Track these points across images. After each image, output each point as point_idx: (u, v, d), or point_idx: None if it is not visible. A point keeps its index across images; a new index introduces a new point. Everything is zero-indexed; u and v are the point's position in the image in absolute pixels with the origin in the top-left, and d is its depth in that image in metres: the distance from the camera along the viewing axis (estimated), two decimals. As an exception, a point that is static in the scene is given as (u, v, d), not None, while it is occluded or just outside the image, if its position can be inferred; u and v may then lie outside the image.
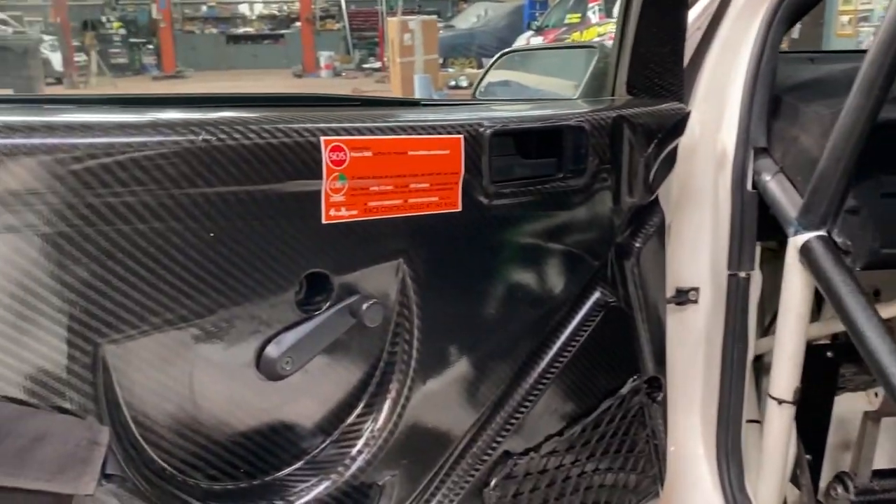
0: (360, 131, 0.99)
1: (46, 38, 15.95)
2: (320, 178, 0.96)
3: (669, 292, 1.54)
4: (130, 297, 0.84)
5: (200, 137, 0.86)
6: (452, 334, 1.16)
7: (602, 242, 1.34)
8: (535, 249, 1.25)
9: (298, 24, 19.25)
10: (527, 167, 1.21)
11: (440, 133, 1.07)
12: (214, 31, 20.22)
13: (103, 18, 18.78)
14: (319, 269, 0.99)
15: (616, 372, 1.39)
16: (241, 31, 20.05)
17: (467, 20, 16.83)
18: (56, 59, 15.60)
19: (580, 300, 1.34)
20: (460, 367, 1.18)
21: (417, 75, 11.14)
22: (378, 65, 17.09)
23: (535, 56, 1.89)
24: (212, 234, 0.89)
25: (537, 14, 14.41)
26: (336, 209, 0.98)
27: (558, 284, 1.29)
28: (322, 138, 0.95)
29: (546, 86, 1.87)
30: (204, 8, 20.70)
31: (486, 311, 1.20)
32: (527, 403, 1.26)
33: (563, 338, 1.31)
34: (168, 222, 0.85)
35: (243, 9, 21.16)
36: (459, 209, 1.11)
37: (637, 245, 1.38)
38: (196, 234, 0.87)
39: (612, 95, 1.45)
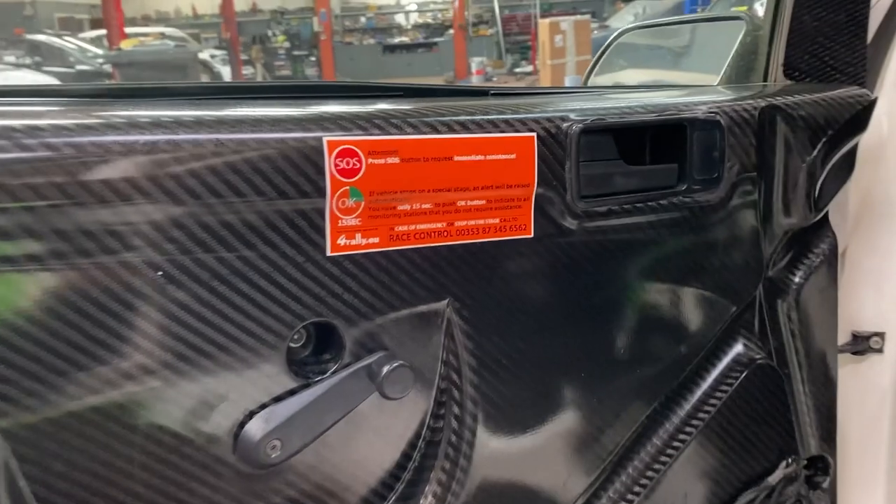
0: (381, 128, 0.72)
1: (217, 52, 16.95)
2: (322, 194, 0.69)
3: (842, 338, 1.16)
4: (37, 357, 0.61)
5: (142, 140, 0.62)
6: (521, 407, 0.86)
7: (745, 278, 0.99)
8: (645, 289, 0.92)
9: (452, 31, 19.35)
10: (634, 176, 0.88)
11: (503, 130, 0.78)
12: (372, 41, 20.73)
13: (269, 33, 19.75)
14: (323, 319, 0.72)
15: (763, 453, 1.03)
16: (396, 40, 20.43)
17: (623, 19, 16.17)
18: (226, 72, 16.52)
19: (713, 357, 0.99)
20: (533, 451, 0.87)
21: (568, 77, 10.74)
22: (530, 68, 16.79)
23: (664, 33, 1.54)
24: (160, 273, 0.64)
25: (698, 10, 13.56)
26: (347, 236, 0.72)
27: (680, 337, 0.95)
28: (324, 138, 0.69)
29: (679, 72, 1.52)
30: (363, 20, 21.29)
31: (571, 374, 0.88)
32: (631, 497, 0.93)
33: (686, 409, 0.97)
34: (96, 257, 0.61)
35: (399, 19, 21.58)
36: (532, 235, 0.81)
37: (796, 280, 1.02)
38: (138, 272, 0.63)
39: (765, 81, 1.09)
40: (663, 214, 0.90)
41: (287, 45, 19.31)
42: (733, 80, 1.14)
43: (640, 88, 1.11)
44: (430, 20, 21.06)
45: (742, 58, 1.14)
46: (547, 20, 12.25)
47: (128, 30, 14.55)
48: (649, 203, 0.88)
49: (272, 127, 0.67)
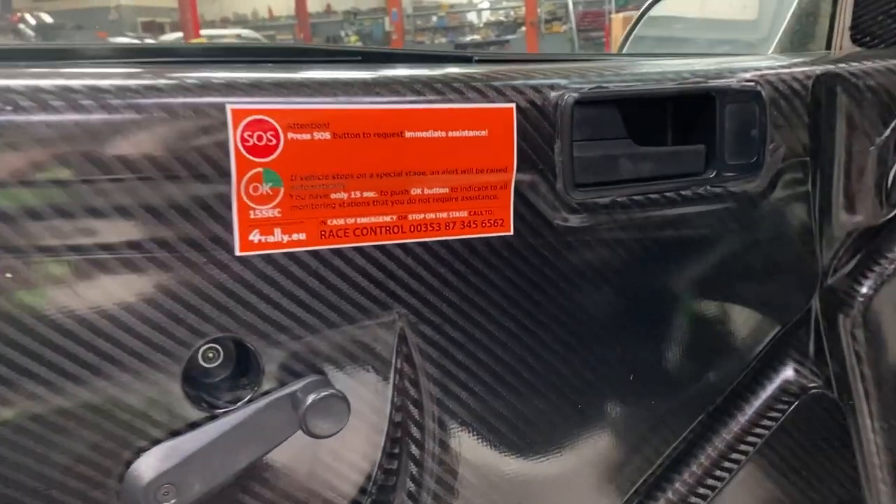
0: (308, 95, 0.57)
1: (291, 53, 17.13)
2: (227, 176, 0.55)
3: None
4: None
5: None
6: (502, 444, 0.69)
7: (796, 289, 0.81)
8: (663, 302, 0.74)
9: (524, 28, 19.10)
10: (648, 161, 0.71)
11: (471, 100, 0.62)
12: (444, 40, 20.65)
13: (342, 33, 19.91)
14: (231, 335, 0.58)
15: None
16: (468, 38, 20.30)
17: (702, 13, 15.62)
18: (298, 73, 16.72)
19: (753, 384, 0.81)
20: (517, 498, 0.71)
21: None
22: (603, 66, 16.37)
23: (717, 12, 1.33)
24: (8, 275, 0.51)
25: (783, 1, 12.92)
26: (262, 231, 0.57)
27: (710, 360, 0.78)
28: (228, 105, 0.54)
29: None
30: (434, 19, 21.25)
31: (565, 405, 0.72)
32: None
33: (719, 447, 0.79)
34: None
35: (471, 17, 21.45)
36: (511, 232, 0.65)
37: (864, 291, 0.83)
38: None
39: (828, 49, 0.90)
40: (686, 208, 0.72)
41: (359, 45, 19.42)
42: (790, 47, 0.95)
43: (668, 55, 0.93)
44: (502, 18, 20.86)
45: (800, 21, 0.94)
46: (621, 15, 11.90)
47: (204, 31, 14.85)
48: (667, 194, 0.71)
49: (158, 93, 0.53)
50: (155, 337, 0.55)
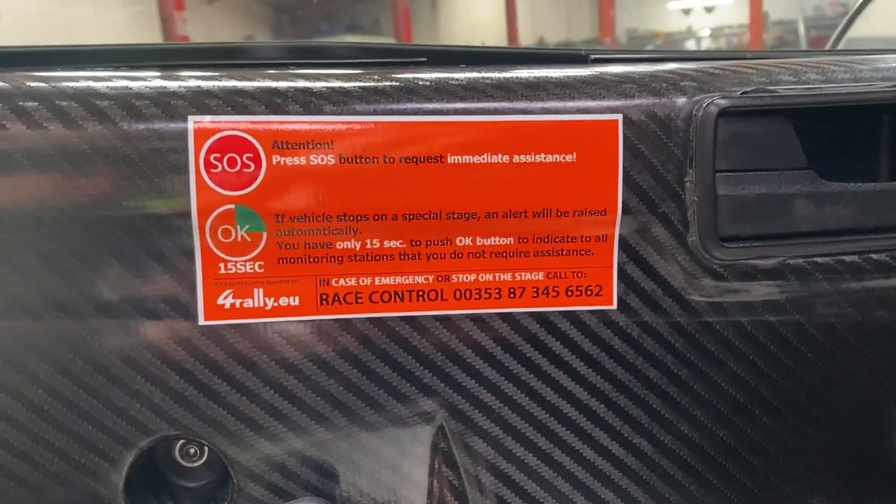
0: (305, 105, 0.40)
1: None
2: (186, 216, 0.39)
3: None
4: None
5: None
6: None
7: None
8: (876, 433, 0.49)
9: (747, 55, 18.02)
10: (842, 203, 0.47)
11: (549, 110, 0.42)
12: (659, 69, 20.05)
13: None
14: (188, 437, 0.42)
15: None
16: (686, 67, 19.55)
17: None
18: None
19: None
20: None
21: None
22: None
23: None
24: None
25: None
26: (237, 293, 0.41)
27: None
28: (191, 118, 0.39)
29: None
30: (650, 47, 20.70)
31: None
32: None
33: None
34: None
35: (690, 44, 20.64)
36: (614, 306, 0.44)
37: None
38: None
39: None
40: None
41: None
42: None
43: (884, 51, 0.65)
44: (723, 45, 19.88)
45: None
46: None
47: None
48: (875, 257, 0.46)
49: (92, 100, 0.39)
50: (86, 432, 0.40)
